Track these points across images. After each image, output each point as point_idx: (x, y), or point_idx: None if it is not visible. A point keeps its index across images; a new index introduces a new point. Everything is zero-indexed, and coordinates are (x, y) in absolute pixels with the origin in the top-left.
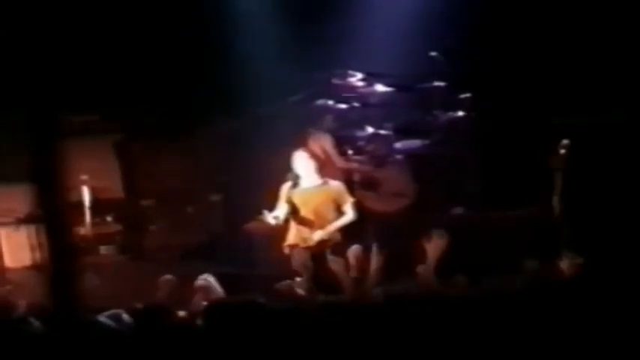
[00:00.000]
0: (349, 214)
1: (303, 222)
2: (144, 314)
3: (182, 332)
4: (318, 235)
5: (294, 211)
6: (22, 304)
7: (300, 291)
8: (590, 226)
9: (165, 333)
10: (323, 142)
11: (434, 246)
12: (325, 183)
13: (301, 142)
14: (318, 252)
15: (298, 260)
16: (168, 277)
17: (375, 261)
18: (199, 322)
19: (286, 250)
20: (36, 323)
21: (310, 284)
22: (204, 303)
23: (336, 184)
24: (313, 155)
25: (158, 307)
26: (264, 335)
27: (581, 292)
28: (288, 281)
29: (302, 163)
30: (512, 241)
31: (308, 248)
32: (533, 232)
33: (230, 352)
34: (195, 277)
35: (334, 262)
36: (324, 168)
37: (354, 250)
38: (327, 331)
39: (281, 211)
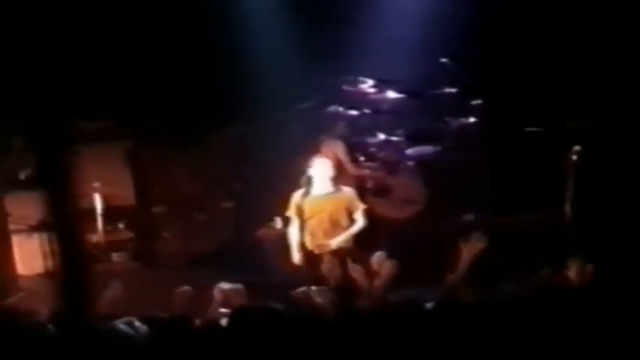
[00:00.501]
0: (360, 222)
1: (316, 229)
2: (159, 322)
3: (199, 339)
4: (334, 242)
5: (306, 219)
6: (42, 312)
7: (318, 298)
8: (601, 232)
9: (182, 341)
10: (335, 149)
11: (468, 251)
12: (338, 190)
13: (313, 149)
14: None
15: (326, 267)
16: (185, 288)
17: (391, 267)
18: (218, 329)
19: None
20: (49, 330)
21: (336, 291)
22: (222, 310)
23: (347, 191)
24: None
25: (174, 315)
26: (281, 342)
27: (592, 299)
28: (304, 288)
29: (321, 168)
30: (524, 247)
31: (325, 255)
32: (545, 238)
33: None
34: (206, 284)
35: (354, 269)
36: (337, 174)
37: (378, 257)
38: (344, 338)
39: (296, 231)
